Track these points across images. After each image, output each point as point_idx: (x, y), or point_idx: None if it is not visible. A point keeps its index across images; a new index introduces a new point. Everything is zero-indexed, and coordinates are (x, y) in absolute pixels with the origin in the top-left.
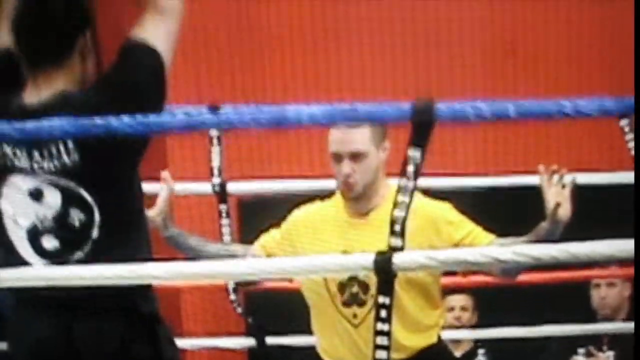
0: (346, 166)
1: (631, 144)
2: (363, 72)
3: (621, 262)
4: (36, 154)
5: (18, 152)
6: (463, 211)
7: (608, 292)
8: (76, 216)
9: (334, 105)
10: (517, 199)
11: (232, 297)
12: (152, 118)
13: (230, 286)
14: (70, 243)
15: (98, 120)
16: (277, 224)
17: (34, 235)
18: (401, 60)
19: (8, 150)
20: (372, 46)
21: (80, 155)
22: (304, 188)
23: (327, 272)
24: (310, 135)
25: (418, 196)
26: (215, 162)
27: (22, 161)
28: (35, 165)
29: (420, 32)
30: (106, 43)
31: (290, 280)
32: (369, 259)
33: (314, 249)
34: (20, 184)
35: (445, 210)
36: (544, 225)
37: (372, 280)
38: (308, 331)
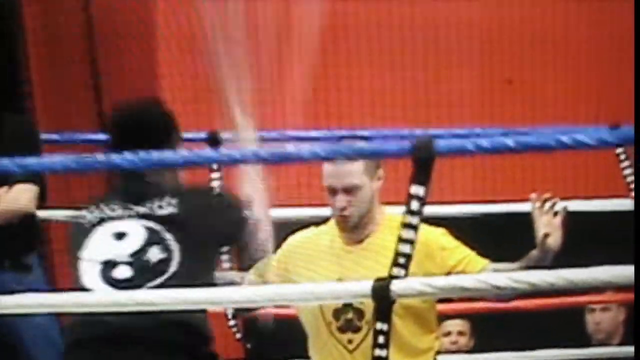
0: (341, 199)
1: (627, 172)
2: (362, 100)
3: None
4: (133, 205)
5: (115, 206)
6: (458, 237)
7: (602, 317)
8: (155, 254)
9: (334, 140)
10: (514, 225)
11: (231, 322)
12: (155, 154)
13: (230, 312)
14: (143, 275)
15: (99, 157)
16: (273, 250)
17: (107, 267)
18: (400, 90)
19: (104, 206)
20: (371, 77)
21: (178, 209)
22: (304, 215)
23: (327, 299)
24: (309, 163)
25: None
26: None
27: (116, 211)
28: (129, 212)
29: (419, 61)
30: None
31: (288, 307)
32: (367, 286)
33: (308, 276)
34: (107, 229)
35: (440, 236)
36: (534, 252)
37: (367, 307)
38: (305, 357)
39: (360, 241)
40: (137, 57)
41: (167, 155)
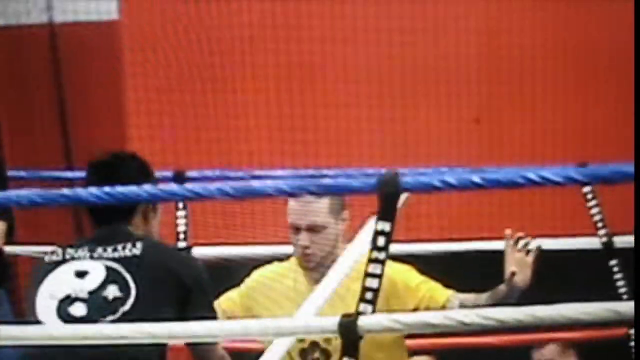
0: (303, 238)
1: (594, 210)
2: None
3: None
4: (99, 249)
5: (82, 248)
6: (424, 272)
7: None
8: (112, 291)
9: (300, 179)
10: (485, 262)
11: None
12: (120, 189)
13: None
14: (98, 311)
15: (66, 191)
16: (237, 284)
17: (64, 304)
18: (367, 130)
19: (70, 249)
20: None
21: (141, 252)
22: (269, 253)
23: (293, 334)
24: (275, 201)
25: None
26: (181, 227)
27: (81, 252)
28: (93, 254)
29: (386, 100)
30: None
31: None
32: (333, 321)
33: (272, 313)
34: (70, 267)
35: (405, 272)
36: (501, 287)
37: (334, 348)
38: None
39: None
40: (104, 95)
41: (132, 189)
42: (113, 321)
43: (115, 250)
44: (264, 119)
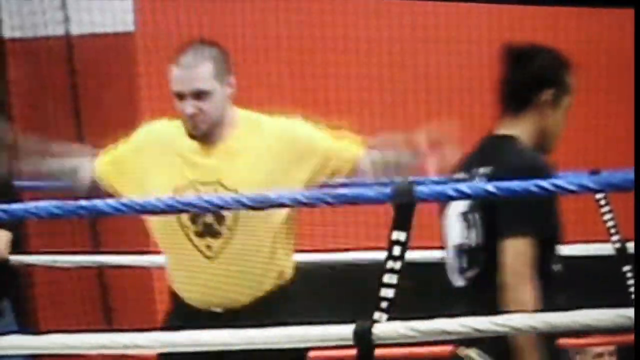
0: (189, 106)
1: (607, 217)
2: None
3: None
4: None
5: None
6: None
7: None
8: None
9: (316, 190)
10: None
11: None
12: (138, 200)
13: None
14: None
15: (84, 203)
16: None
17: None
18: None
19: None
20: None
21: None
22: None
23: (307, 342)
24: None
25: (264, 118)
26: None
27: None
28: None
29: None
30: None
31: None
32: (348, 330)
33: (159, 172)
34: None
35: (305, 129)
36: (405, 155)
37: (229, 211)
38: None
39: (215, 142)
40: (120, 105)
41: (150, 201)
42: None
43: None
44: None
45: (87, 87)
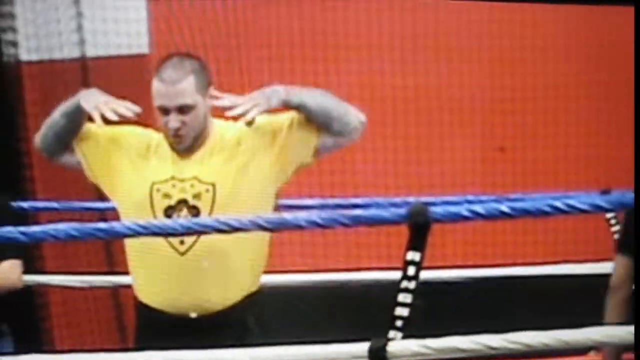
0: (174, 120)
1: (617, 236)
2: (354, 169)
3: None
4: None
5: None
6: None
7: None
8: None
9: (329, 209)
10: (505, 288)
11: None
12: (156, 222)
13: None
14: None
15: (102, 225)
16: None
17: None
18: (392, 160)
19: None
20: (364, 147)
21: None
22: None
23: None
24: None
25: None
26: None
27: None
28: None
29: (412, 130)
30: None
31: None
32: (363, 348)
33: (135, 168)
34: None
35: (265, 119)
36: None
37: (204, 204)
38: None
39: (195, 151)
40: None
41: (167, 223)
42: None
43: None
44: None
45: None
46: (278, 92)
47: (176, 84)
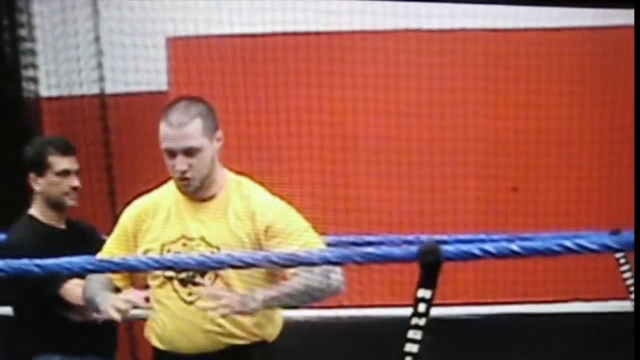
0: (181, 162)
1: (626, 275)
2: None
3: None
4: None
5: None
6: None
7: None
8: None
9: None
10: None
11: None
12: (170, 257)
13: None
14: None
15: (116, 259)
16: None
17: None
18: (407, 198)
19: None
20: (379, 186)
21: None
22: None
23: None
24: None
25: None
26: None
27: None
28: None
29: (426, 169)
30: None
31: None
32: None
33: (153, 237)
34: None
35: (283, 215)
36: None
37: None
38: None
39: (204, 200)
40: (152, 163)
41: (181, 257)
42: None
43: None
44: (307, 187)
45: (120, 144)
46: (256, 299)
47: (182, 127)
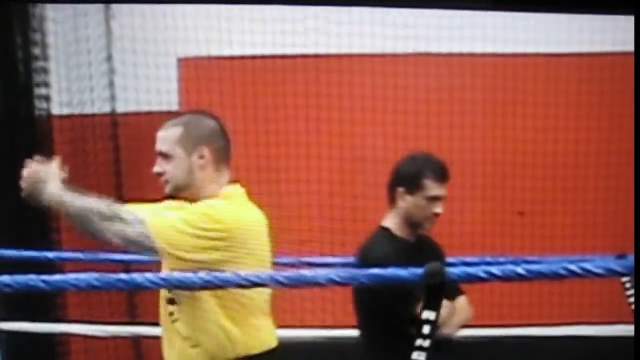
0: (157, 164)
1: (632, 299)
2: None
3: None
4: None
5: None
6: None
7: None
8: None
9: (351, 269)
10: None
11: None
12: (177, 276)
13: None
14: None
15: (123, 276)
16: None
17: None
18: None
19: None
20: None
21: None
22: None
23: None
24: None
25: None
26: None
27: None
28: None
29: None
30: None
31: None
32: None
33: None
34: None
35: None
36: None
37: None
38: None
39: None
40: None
41: (188, 276)
42: None
43: None
44: (316, 209)
45: (130, 162)
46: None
47: (163, 131)
